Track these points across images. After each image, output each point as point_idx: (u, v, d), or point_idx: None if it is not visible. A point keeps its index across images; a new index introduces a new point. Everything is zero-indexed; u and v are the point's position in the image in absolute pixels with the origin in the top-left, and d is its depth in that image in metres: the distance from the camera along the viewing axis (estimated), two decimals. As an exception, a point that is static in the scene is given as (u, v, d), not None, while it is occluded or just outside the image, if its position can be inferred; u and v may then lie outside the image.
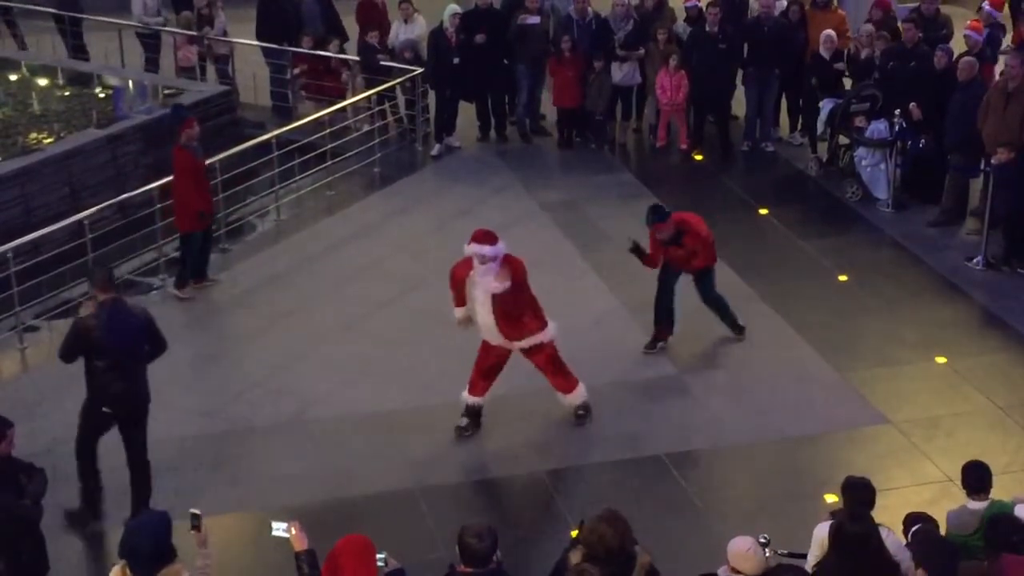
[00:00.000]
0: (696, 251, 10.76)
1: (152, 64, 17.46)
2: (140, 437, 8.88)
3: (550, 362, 9.89)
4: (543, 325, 9.73)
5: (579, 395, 10.05)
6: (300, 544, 6.35)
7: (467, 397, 9.95)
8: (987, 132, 12.69)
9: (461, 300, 9.77)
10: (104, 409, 8.69)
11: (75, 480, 9.03)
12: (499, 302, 9.49)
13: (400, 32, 16.18)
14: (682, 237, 10.69)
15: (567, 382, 10.00)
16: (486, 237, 9.42)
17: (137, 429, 8.85)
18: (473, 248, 9.42)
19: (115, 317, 8.54)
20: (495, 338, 9.70)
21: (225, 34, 17.22)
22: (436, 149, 15.82)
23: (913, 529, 7.14)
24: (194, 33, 16.91)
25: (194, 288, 12.36)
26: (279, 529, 6.38)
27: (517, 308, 9.56)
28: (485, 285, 9.45)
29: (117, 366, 8.57)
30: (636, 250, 10.79)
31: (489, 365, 9.87)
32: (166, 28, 17.45)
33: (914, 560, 6.58)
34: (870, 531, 6.45)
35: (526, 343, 9.74)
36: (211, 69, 17.35)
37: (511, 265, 9.50)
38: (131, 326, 8.68)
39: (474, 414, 10.01)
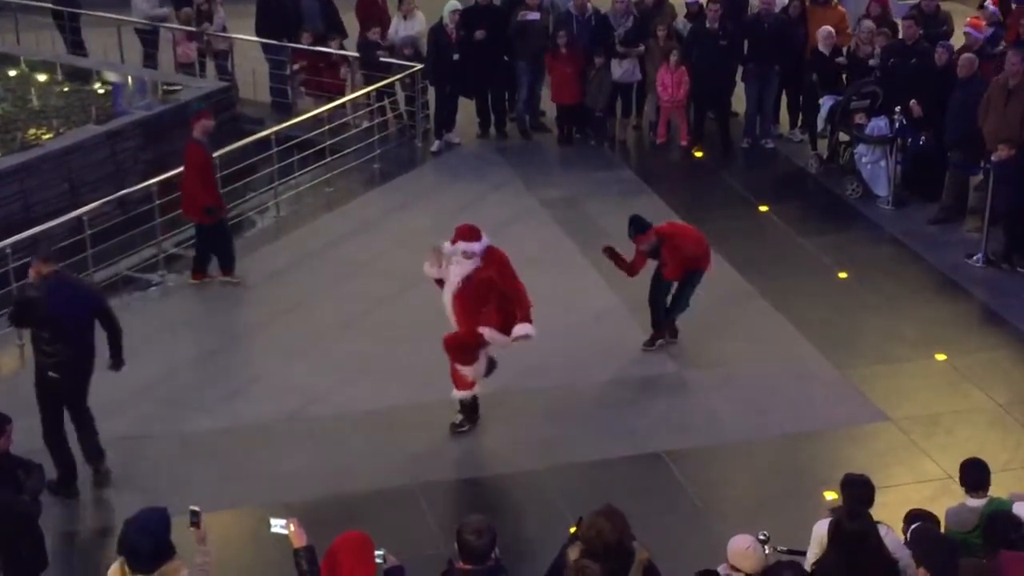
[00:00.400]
0: (666, 263, 10.74)
1: (151, 60, 17.45)
2: (80, 403, 9.05)
3: (459, 349, 9.66)
4: (499, 325, 9.46)
5: (465, 394, 9.88)
6: (299, 541, 6.34)
7: (457, 393, 9.90)
8: (988, 129, 12.69)
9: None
10: (50, 373, 8.87)
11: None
12: (469, 292, 9.40)
13: (400, 28, 16.17)
14: (660, 249, 10.70)
15: (459, 380, 9.82)
16: (471, 233, 9.39)
17: (77, 397, 9.01)
18: (461, 247, 9.37)
19: (58, 290, 8.73)
20: (450, 320, 9.60)
21: (224, 30, 17.22)
22: (436, 145, 15.80)
23: (912, 527, 7.13)
24: (193, 29, 16.90)
25: (221, 280, 12.39)
26: (278, 526, 6.36)
27: (480, 302, 9.43)
28: (461, 271, 9.37)
29: (60, 337, 8.77)
30: (611, 254, 10.80)
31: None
32: (166, 24, 17.43)
33: (914, 558, 6.56)
34: (868, 528, 6.44)
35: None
36: (210, 65, 17.35)
37: (493, 257, 9.42)
38: (76, 299, 8.89)
39: (471, 408, 9.99)
